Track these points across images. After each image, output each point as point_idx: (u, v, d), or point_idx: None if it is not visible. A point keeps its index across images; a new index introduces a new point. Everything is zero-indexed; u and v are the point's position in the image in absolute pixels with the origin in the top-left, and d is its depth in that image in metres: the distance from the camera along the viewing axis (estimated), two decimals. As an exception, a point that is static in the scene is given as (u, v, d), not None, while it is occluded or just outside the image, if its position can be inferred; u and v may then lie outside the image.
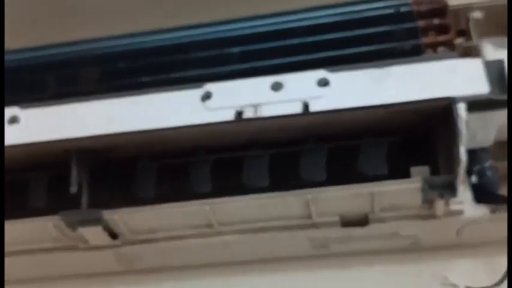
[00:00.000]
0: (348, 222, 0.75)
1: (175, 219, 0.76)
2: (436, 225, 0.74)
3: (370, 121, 0.71)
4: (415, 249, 0.78)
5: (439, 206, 0.71)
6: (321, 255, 0.80)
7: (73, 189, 0.73)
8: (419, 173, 0.71)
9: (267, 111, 0.70)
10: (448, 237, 0.76)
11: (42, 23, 0.96)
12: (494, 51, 0.74)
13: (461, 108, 0.66)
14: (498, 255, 0.72)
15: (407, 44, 0.75)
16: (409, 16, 0.77)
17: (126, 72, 0.80)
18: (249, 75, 0.73)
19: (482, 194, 0.73)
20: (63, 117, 0.74)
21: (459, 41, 0.77)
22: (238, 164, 0.75)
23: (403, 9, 0.77)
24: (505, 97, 0.67)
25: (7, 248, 0.78)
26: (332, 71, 0.71)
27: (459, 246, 0.77)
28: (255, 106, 0.70)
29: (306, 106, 0.69)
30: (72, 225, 0.75)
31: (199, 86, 0.73)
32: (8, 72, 0.81)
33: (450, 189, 0.69)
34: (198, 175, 0.75)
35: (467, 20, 0.77)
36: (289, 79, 0.71)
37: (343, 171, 0.73)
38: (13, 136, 0.74)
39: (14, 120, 0.75)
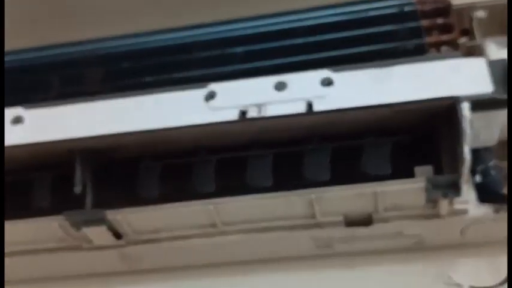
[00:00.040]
0: (351, 222, 0.75)
1: (179, 219, 0.76)
2: (440, 225, 0.74)
3: (374, 121, 0.71)
4: (419, 249, 0.78)
5: (443, 205, 0.71)
6: (324, 255, 0.79)
7: (77, 189, 0.73)
8: (423, 173, 0.71)
9: (270, 111, 0.70)
10: (452, 237, 0.76)
11: (42, 23, 0.96)
12: (498, 51, 0.73)
13: (465, 108, 0.66)
14: (502, 254, 0.72)
15: (411, 43, 0.75)
16: (412, 15, 0.77)
17: (130, 72, 0.80)
18: (252, 75, 0.73)
19: (486, 194, 0.73)
20: (67, 117, 0.74)
21: (463, 40, 0.76)
22: (242, 163, 0.75)
23: (406, 8, 0.77)
24: (509, 96, 0.67)
25: (11, 248, 0.78)
26: (336, 70, 0.71)
27: (463, 245, 0.77)
28: (259, 106, 0.70)
29: (309, 106, 0.69)
30: (77, 225, 0.75)
31: (203, 86, 0.73)
32: (13, 73, 0.81)
33: (454, 189, 0.69)
34: (201, 175, 0.75)
35: (471, 20, 0.77)
36: (292, 79, 0.71)
37: (347, 171, 0.73)
38: (17, 136, 0.74)
39: (18, 120, 0.75)
